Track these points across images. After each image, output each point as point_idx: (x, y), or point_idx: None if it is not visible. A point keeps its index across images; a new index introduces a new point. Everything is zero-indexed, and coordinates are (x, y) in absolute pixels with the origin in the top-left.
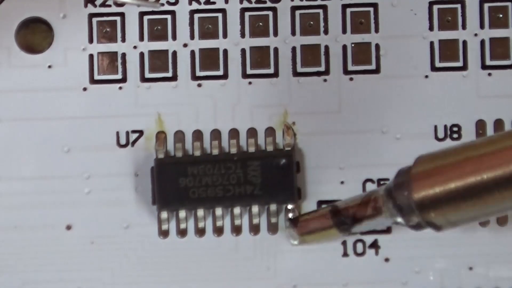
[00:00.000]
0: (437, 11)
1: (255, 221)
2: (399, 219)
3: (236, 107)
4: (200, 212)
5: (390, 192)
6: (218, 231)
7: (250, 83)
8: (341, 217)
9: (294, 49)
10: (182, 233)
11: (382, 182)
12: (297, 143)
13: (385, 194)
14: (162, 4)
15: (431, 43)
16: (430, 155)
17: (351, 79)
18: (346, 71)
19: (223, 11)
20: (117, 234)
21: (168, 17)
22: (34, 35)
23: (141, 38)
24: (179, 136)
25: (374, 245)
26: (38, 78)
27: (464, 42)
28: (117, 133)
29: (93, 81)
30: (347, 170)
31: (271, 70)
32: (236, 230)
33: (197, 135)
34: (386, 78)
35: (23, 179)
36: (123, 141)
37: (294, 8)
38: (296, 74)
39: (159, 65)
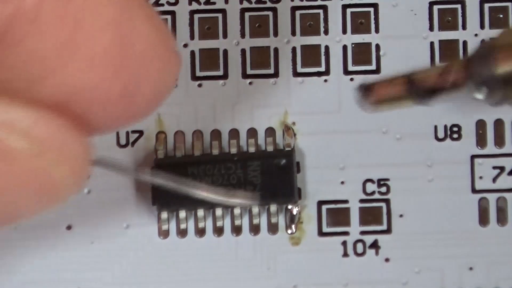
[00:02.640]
0: (437, 11)
1: (255, 221)
2: (479, 95)
3: (236, 107)
4: (200, 212)
5: (470, 64)
6: (218, 231)
7: (250, 83)
8: (417, 88)
9: (294, 49)
10: (182, 233)
11: (382, 182)
12: (297, 143)
13: (464, 66)
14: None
15: (431, 43)
16: None
17: (351, 79)
18: (346, 71)
19: (223, 11)
20: (117, 234)
21: (168, 17)
22: None
23: None
24: (179, 136)
25: (374, 245)
26: None
27: (465, 42)
28: (117, 133)
29: None
30: (347, 170)
31: (271, 70)
32: (236, 230)
33: (197, 135)
34: None
35: None
36: (123, 141)
37: (294, 8)
38: (296, 74)
39: None
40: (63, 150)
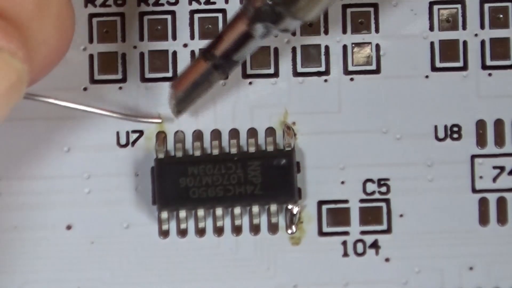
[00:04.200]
0: (437, 11)
1: (255, 221)
2: (269, 28)
3: (236, 107)
4: (200, 212)
5: (247, 9)
6: (218, 231)
7: (250, 83)
8: (216, 59)
9: (294, 49)
10: (182, 233)
11: (382, 182)
12: (297, 143)
13: (244, 14)
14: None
15: (431, 43)
16: None
17: (351, 79)
18: (346, 71)
19: (223, 11)
20: (117, 234)
21: (168, 17)
22: None
23: (141, 38)
24: (179, 136)
25: (374, 245)
26: None
27: (465, 42)
28: (117, 133)
29: (93, 81)
30: (347, 170)
31: (271, 70)
32: (236, 230)
33: (197, 135)
34: (386, 78)
35: (23, 179)
36: (123, 141)
37: None
38: (296, 74)
39: (159, 65)
40: None
